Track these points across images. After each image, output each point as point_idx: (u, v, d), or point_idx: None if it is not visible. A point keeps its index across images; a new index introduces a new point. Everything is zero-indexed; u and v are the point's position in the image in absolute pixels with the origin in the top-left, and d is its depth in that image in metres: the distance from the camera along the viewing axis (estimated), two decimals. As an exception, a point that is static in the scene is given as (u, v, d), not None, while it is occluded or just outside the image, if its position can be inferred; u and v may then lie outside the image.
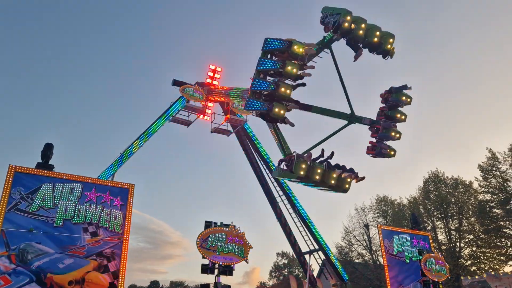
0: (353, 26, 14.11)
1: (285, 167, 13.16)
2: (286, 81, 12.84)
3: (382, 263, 26.34)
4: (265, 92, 12.69)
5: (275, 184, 27.49)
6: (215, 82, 27.31)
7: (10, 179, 10.72)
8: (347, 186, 14.02)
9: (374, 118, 16.14)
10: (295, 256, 34.02)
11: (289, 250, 63.21)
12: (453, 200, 44.97)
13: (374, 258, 48.30)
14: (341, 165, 14.30)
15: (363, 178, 14.24)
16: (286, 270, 69.36)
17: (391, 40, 15.03)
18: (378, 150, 15.54)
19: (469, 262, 43.81)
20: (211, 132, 26.20)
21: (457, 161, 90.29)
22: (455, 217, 44.70)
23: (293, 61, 12.63)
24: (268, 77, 13.11)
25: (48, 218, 10.91)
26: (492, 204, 42.21)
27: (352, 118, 16.07)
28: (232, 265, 12.99)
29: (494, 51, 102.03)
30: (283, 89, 12.40)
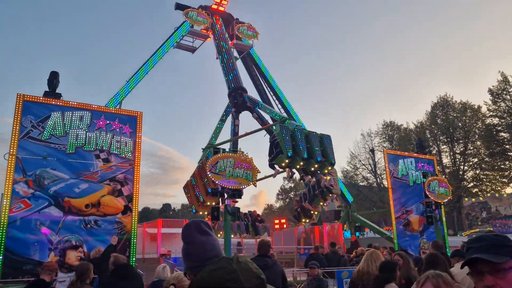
0: (288, 170, 18.44)
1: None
2: None
3: (386, 185, 27.11)
4: None
5: (282, 110, 27.49)
6: (221, 8, 26.30)
7: (20, 108, 10.80)
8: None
9: None
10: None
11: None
12: (460, 124, 45.01)
13: (379, 181, 49.62)
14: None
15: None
16: (292, 193, 71.77)
17: (329, 168, 17.93)
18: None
19: (471, 184, 44.94)
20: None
21: (466, 86, 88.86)
22: (461, 141, 45.05)
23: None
24: None
25: (60, 146, 11.16)
26: (499, 128, 42.27)
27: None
28: (240, 189, 13.44)
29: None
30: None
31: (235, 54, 26.74)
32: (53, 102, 11.47)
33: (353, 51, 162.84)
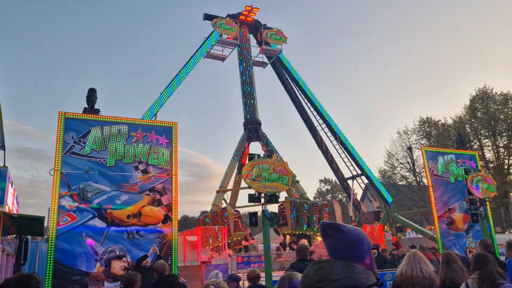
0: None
1: None
2: None
3: (426, 184, 26.33)
4: None
5: (315, 113, 27.34)
6: (249, 18, 26.54)
7: (62, 125, 11.28)
8: None
9: None
10: (338, 182, 34.54)
11: (331, 176, 64.08)
12: (502, 116, 43.18)
13: (418, 179, 48.25)
14: None
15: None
16: (329, 195, 70.97)
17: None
18: None
19: (518, 178, 42.90)
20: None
21: (507, 76, 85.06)
22: (504, 134, 43.19)
23: None
24: None
25: (100, 159, 11.56)
26: (544, 118, 40.25)
27: None
28: (277, 194, 13.43)
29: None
30: None
31: (265, 59, 26.88)
32: (93, 118, 11.92)
33: (385, 45, 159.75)
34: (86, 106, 12.97)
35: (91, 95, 13.08)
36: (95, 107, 13.04)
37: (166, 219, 11.84)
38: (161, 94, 21.29)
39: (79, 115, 11.79)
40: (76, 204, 10.96)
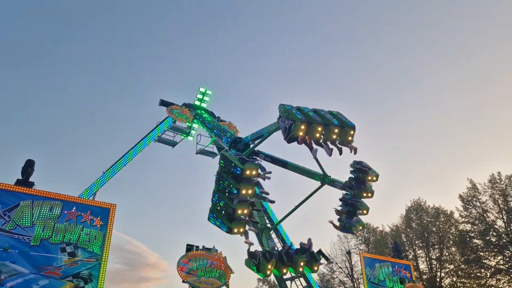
0: (307, 138, 14.50)
1: (253, 263, 14.26)
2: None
3: (363, 291, 26.17)
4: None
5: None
6: (203, 105, 27.43)
7: (-12, 195, 10.46)
8: (316, 268, 16.19)
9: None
10: (276, 282, 33.55)
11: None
12: (434, 229, 45.33)
13: (356, 286, 47.99)
14: (307, 244, 16.07)
15: (331, 262, 16.57)
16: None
17: (351, 132, 15.02)
18: (346, 225, 16.99)
19: (449, 292, 43.87)
20: (196, 153, 26.13)
21: (439, 191, 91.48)
22: (436, 246, 44.95)
23: (247, 182, 13.20)
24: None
25: (24, 237, 10.61)
26: (472, 235, 42.63)
27: (324, 181, 17.39)
28: (212, 290, 12.74)
29: (470, 89, 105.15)
30: (244, 191, 12.99)
31: (215, 150, 27.29)
32: (24, 191, 11.16)
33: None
34: (20, 177, 12.21)
35: (28, 166, 12.41)
36: (31, 179, 12.31)
37: (87, 311, 10.72)
38: (104, 173, 20.60)
39: (7, 187, 11.01)
40: (-15, 286, 9.74)
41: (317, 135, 14.71)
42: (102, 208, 12.10)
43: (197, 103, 27.11)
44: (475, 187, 42.93)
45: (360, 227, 17.17)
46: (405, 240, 46.73)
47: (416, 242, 46.33)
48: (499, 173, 42.04)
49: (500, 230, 40.54)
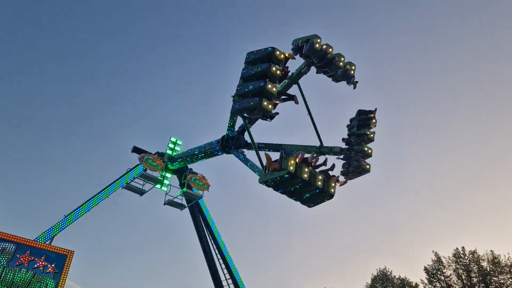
0: (324, 46, 15.67)
1: (270, 171, 13.11)
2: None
3: None
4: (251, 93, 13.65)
5: (223, 266, 26.53)
6: (174, 154, 27.27)
7: None
8: (332, 190, 14.35)
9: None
10: None
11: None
12: (399, 301, 44.73)
13: None
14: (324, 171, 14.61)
15: (345, 182, 15.13)
16: None
17: (353, 67, 16.68)
18: (354, 164, 16.27)
19: None
20: (164, 204, 25.49)
21: (405, 262, 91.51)
22: (401, 318, 44.16)
23: (276, 66, 13.91)
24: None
25: (-32, 280, 9.79)
26: (437, 309, 42.25)
27: (322, 150, 17.00)
28: None
29: (437, 164, 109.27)
30: (269, 86, 13.42)
31: (184, 202, 26.79)
32: (-24, 229, 10.46)
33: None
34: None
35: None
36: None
37: None
38: (65, 217, 19.69)
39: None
40: None
41: (330, 49, 16.02)
42: (58, 254, 11.42)
43: (169, 152, 26.96)
44: (440, 260, 43.18)
45: (368, 166, 16.70)
46: (369, 310, 45.79)
47: (381, 313, 45.45)
48: (463, 247, 42.62)
49: (464, 306, 40.38)
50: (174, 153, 27.24)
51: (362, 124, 16.96)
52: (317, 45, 15.42)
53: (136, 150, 25.38)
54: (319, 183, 13.81)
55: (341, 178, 15.66)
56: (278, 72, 14.09)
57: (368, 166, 16.62)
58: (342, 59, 16.57)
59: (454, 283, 41.48)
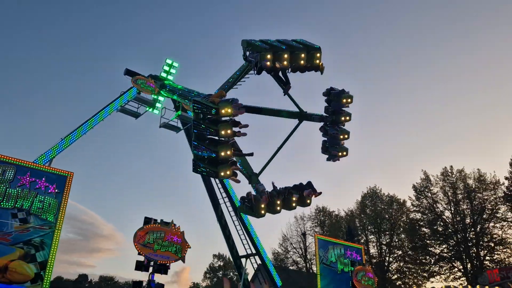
0: (276, 64, 14.22)
1: (246, 206, 13.30)
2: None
3: (315, 271, 27.07)
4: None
5: (219, 185, 27.44)
6: (170, 77, 26.87)
7: None
8: (308, 201, 14.48)
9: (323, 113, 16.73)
10: (231, 259, 34.02)
11: (226, 252, 63.20)
12: (387, 216, 47.17)
13: (308, 266, 49.48)
14: (298, 184, 14.62)
15: (320, 193, 14.84)
16: (221, 272, 69.23)
17: (318, 55, 15.17)
18: (330, 154, 16.20)
19: (395, 276, 46.11)
20: (160, 127, 25.66)
21: (394, 180, 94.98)
22: (387, 232, 46.89)
23: (225, 122, 12.46)
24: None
25: (-27, 200, 10.18)
26: (421, 223, 44.76)
27: (302, 117, 16.72)
28: (167, 264, 12.78)
29: (430, 84, 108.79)
30: (222, 154, 12.37)
31: (179, 125, 26.95)
32: (-25, 152, 10.65)
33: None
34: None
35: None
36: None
37: (37, 278, 10.48)
38: (62, 140, 19.90)
39: (-41, 147, 10.47)
40: None
41: (285, 62, 14.70)
42: (58, 175, 11.75)
43: (164, 75, 26.54)
44: (428, 179, 44.85)
45: (344, 153, 16.90)
46: (358, 224, 48.41)
47: (369, 227, 48.11)
48: (451, 166, 44.08)
49: (447, 220, 42.76)
50: (169, 76, 26.83)
51: (336, 111, 16.26)
52: (268, 64, 13.91)
53: (128, 72, 24.96)
54: (294, 204, 14.04)
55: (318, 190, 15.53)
56: (229, 131, 12.39)
57: (345, 153, 16.47)
58: (302, 55, 14.89)
59: (440, 199, 43.52)
